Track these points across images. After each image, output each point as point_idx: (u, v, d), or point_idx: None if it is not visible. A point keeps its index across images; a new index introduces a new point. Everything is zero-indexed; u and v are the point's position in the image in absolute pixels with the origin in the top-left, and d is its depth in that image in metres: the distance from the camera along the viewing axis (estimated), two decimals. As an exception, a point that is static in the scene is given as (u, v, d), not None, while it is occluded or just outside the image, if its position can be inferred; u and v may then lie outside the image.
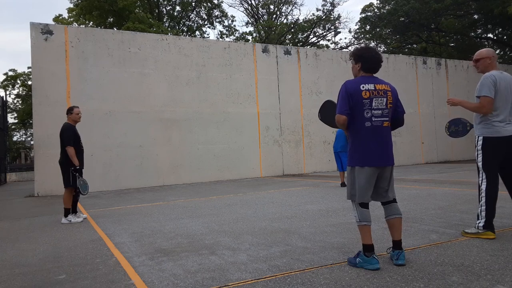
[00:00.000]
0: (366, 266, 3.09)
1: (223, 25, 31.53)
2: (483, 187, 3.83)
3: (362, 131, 3.19)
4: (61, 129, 6.05)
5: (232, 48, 13.69)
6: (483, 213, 3.80)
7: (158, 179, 12.10)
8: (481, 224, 3.82)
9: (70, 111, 6.20)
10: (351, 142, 3.30)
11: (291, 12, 52.94)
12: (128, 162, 11.71)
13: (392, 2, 26.78)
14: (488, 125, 3.82)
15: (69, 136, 5.92)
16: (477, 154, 3.92)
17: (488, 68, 3.93)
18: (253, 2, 33.13)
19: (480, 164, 3.90)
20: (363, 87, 3.17)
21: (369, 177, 3.19)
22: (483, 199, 3.81)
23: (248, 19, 34.23)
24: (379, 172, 3.22)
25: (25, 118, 34.75)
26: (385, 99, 3.19)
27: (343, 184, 9.11)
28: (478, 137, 3.91)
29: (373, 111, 3.16)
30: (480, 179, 3.89)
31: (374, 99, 3.16)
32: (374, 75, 3.30)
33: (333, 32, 31.72)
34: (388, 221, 3.29)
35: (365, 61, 3.24)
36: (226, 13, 31.03)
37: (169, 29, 27.99)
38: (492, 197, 3.79)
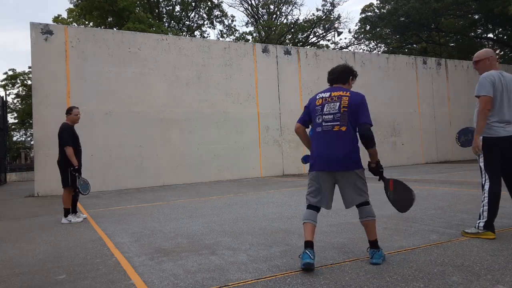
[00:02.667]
0: (301, 262, 3.12)
1: (223, 25, 31.56)
2: (486, 187, 3.83)
3: (315, 136, 3.31)
4: (59, 129, 6.05)
5: (232, 48, 13.69)
6: (485, 213, 3.80)
7: (158, 179, 12.10)
8: (481, 224, 3.82)
9: (69, 111, 6.20)
10: (311, 148, 3.42)
11: (291, 12, 52.96)
12: (128, 162, 11.71)
13: (392, 2, 26.79)
14: (488, 125, 3.82)
15: (68, 136, 5.92)
16: (479, 155, 3.92)
17: (488, 69, 3.93)
18: (253, 2, 33.15)
19: (482, 164, 3.89)
20: (318, 95, 3.37)
21: (317, 181, 3.28)
22: (486, 199, 3.81)
23: (248, 19, 34.26)
24: (335, 176, 3.23)
25: (25, 118, 34.77)
26: (338, 103, 3.21)
27: None
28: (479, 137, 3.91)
29: (324, 116, 3.24)
30: (483, 179, 3.89)
31: (326, 104, 3.26)
32: (343, 86, 3.41)
33: (334, 33, 31.69)
34: (361, 223, 3.32)
35: (328, 75, 3.51)
36: (226, 13, 31.06)
37: (169, 29, 27.99)
38: (495, 197, 3.79)
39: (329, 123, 3.21)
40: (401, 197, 3.39)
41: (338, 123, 3.17)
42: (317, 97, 3.35)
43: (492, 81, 3.77)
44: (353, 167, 3.18)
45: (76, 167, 5.92)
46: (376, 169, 3.35)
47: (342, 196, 3.29)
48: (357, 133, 3.25)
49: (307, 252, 3.09)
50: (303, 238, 3.25)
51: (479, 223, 3.85)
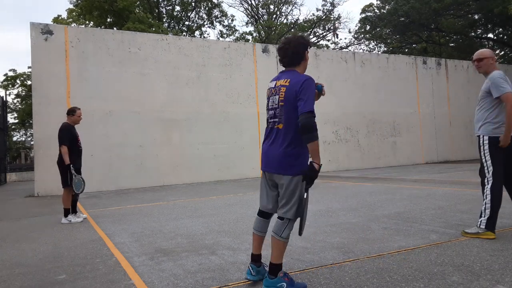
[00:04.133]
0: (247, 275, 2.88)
1: (223, 25, 31.57)
2: (489, 185, 3.83)
3: (265, 132, 2.94)
4: (59, 129, 6.06)
5: (232, 48, 13.69)
6: (487, 211, 3.80)
7: (158, 179, 12.10)
8: (483, 222, 3.81)
9: (72, 112, 6.20)
10: None
11: (291, 12, 52.95)
12: (128, 162, 11.71)
13: (392, 2, 26.78)
14: (493, 124, 3.83)
15: (64, 136, 5.94)
16: (483, 154, 3.90)
17: (491, 68, 3.92)
18: (253, 2, 33.15)
19: (487, 163, 3.87)
20: (269, 85, 2.92)
21: (264, 182, 2.92)
22: (488, 197, 3.81)
23: (248, 19, 34.26)
24: (273, 179, 2.82)
25: (25, 118, 34.75)
26: (277, 97, 2.75)
27: None
28: (483, 136, 3.90)
29: (268, 111, 2.86)
30: (486, 178, 3.88)
31: (270, 97, 2.83)
32: (296, 69, 2.83)
33: (331, 32, 31.69)
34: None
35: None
36: (226, 13, 31.07)
37: (169, 29, 27.99)
38: (497, 196, 3.79)
39: (271, 120, 2.82)
40: (304, 219, 2.84)
41: (277, 119, 2.75)
42: (268, 88, 2.91)
43: (505, 77, 3.78)
44: (284, 171, 2.70)
45: (69, 165, 5.86)
46: (315, 173, 2.64)
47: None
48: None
49: (249, 267, 2.89)
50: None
51: (481, 221, 3.84)
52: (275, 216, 2.86)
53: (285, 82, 2.72)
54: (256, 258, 2.89)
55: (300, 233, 2.77)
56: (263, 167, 2.87)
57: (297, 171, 2.68)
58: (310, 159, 2.70)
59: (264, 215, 2.93)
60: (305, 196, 2.70)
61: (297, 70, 2.80)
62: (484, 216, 3.82)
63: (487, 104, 3.88)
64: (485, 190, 3.86)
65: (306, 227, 4.79)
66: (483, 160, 3.91)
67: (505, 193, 4.02)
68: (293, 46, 2.78)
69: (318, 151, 2.63)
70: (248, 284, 2.89)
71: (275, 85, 2.81)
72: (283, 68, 2.90)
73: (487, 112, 3.89)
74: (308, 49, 2.88)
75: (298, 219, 2.80)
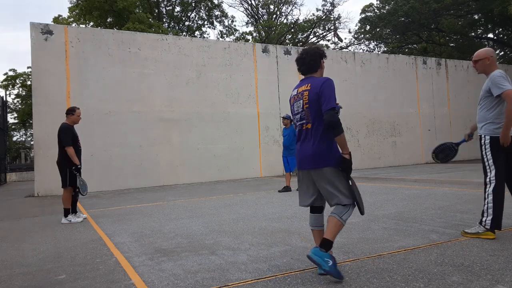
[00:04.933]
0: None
1: (223, 25, 31.56)
2: (491, 187, 3.81)
3: (296, 136, 3.25)
4: (59, 129, 6.04)
5: (232, 48, 13.69)
6: (490, 210, 3.79)
7: (158, 179, 12.10)
8: (488, 221, 3.79)
9: (71, 111, 6.18)
10: None
11: (291, 12, 52.99)
12: (128, 162, 11.71)
13: (392, 2, 26.78)
14: (494, 124, 3.82)
15: (67, 137, 5.92)
16: (484, 153, 3.90)
17: (488, 69, 3.92)
18: (253, 2, 33.16)
19: (489, 162, 3.86)
20: (292, 93, 3.25)
21: (300, 180, 3.20)
22: (490, 197, 3.80)
23: (248, 19, 34.26)
24: (311, 175, 3.08)
25: (25, 118, 34.76)
26: (301, 101, 3.09)
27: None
28: (485, 136, 3.89)
29: (295, 116, 3.19)
30: (488, 177, 3.87)
31: (295, 104, 3.18)
32: (314, 75, 3.15)
33: (333, 33, 31.68)
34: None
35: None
36: (226, 13, 31.07)
37: (169, 29, 27.99)
38: (499, 196, 3.79)
39: (299, 122, 3.15)
40: (360, 200, 3.03)
41: (304, 121, 3.08)
42: (291, 96, 3.26)
43: (505, 75, 3.77)
44: (321, 164, 2.97)
45: (79, 166, 5.93)
46: (349, 162, 2.96)
47: (322, 194, 3.10)
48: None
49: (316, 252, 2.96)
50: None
51: (485, 220, 3.82)
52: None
53: (307, 87, 3.06)
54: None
55: (362, 213, 3.03)
56: (299, 166, 3.14)
57: (332, 163, 2.96)
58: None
59: (316, 210, 3.15)
60: (350, 183, 2.99)
61: (315, 76, 3.14)
62: (487, 216, 3.81)
63: (488, 104, 3.88)
64: (486, 190, 3.86)
65: (306, 227, 4.80)
66: (485, 160, 3.91)
67: (506, 193, 4.02)
68: (310, 56, 3.12)
69: (345, 142, 2.96)
70: (248, 284, 2.89)
71: (297, 91, 3.14)
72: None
73: (488, 112, 3.88)
74: (324, 59, 3.20)
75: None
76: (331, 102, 2.89)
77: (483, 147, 3.91)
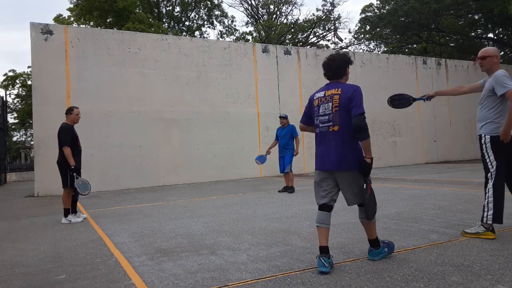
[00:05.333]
0: (318, 267, 3.06)
1: (223, 25, 31.56)
2: (492, 180, 3.82)
3: (316, 137, 3.38)
4: (59, 129, 6.04)
5: (232, 48, 13.69)
6: (491, 205, 3.78)
7: (158, 179, 12.10)
8: (490, 216, 3.78)
9: (69, 111, 6.19)
10: None
11: (291, 12, 52.96)
12: (128, 162, 11.70)
13: (392, 2, 26.78)
14: (495, 123, 3.83)
15: (66, 136, 5.92)
16: (485, 152, 3.89)
17: (494, 67, 3.91)
18: (253, 2, 33.15)
19: (490, 159, 3.86)
20: (315, 96, 3.38)
21: (319, 180, 3.31)
22: (491, 191, 3.80)
23: (248, 19, 34.25)
24: (334, 176, 3.24)
25: (25, 118, 34.75)
26: (330, 104, 3.21)
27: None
28: (485, 136, 3.89)
29: (320, 117, 3.29)
30: (489, 173, 3.86)
31: (321, 105, 3.28)
32: (340, 80, 3.33)
33: (333, 34, 31.67)
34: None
35: (323, 69, 3.42)
36: (226, 13, 31.06)
37: (169, 29, 27.98)
38: (499, 190, 3.80)
39: (324, 124, 3.25)
40: (370, 205, 3.19)
41: (331, 123, 3.20)
42: (315, 98, 3.37)
43: (509, 76, 3.77)
44: (347, 166, 3.14)
45: (73, 167, 5.90)
46: (369, 166, 3.08)
47: (343, 195, 3.29)
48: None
49: (322, 259, 3.04)
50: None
51: (486, 215, 3.81)
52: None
53: (337, 91, 3.21)
54: (325, 250, 3.12)
55: (368, 218, 3.25)
56: (321, 166, 3.27)
57: (356, 166, 3.13)
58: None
59: (326, 208, 3.25)
60: (364, 187, 3.17)
61: (341, 82, 3.32)
62: (488, 211, 3.81)
63: (490, 103, 3.88)
64: (487, 185, 3.86)
65: (306, 227, 4.80)
66: (486, 157, 3.91)
67: (506, 193, 4.02)
68: (337, 62, 3.29)
69: (370, 147, 3.11)
70: (248, 284, 2.89)
71: (325, 94, 3.27)
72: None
73: (489, 111, 3.88)
74: (350, 66, 3.38)
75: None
76: (361, 107, 3.09)
77: (483, 145, 3.91)
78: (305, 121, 3.51)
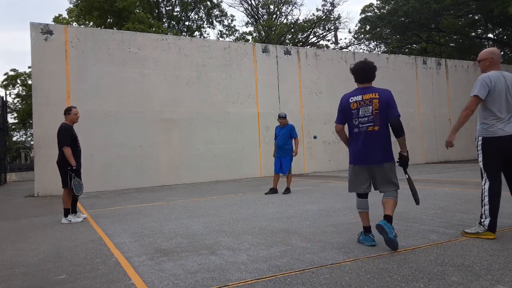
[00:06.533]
0: (365, 242, 3.76)
1: (223, 25, 31.56)
2: (486, 186, 3.83)
3: (353, 136, 3.83)
4: (58, 129, 6.04)
5: (232, 48, 13.69)
6: (487, 212, 3.80)
7: (158, 179, 12.10)
8: (486, 223, 3.80)
9: (68, 111, 6.19)
10: (348, 145, 3.94)
11: (291, 12, 52.95)
12: (128, 162, 11.70)
13: (392, 2, 26.78)
14: (487, 125, 3.83)
15: (66, 136, 5.92)
16: (478, 154, 3.93)
17: (488, 69, 3.93)
18: (253, 2, 33.15)
19: (481, 164, 3.90)
20: (351, 99, 3.81)
21: (357, 173, 3.83)
22: (486, 198, 3.81)
23: (248, 19, 34.25)
24: (371, 169, 3.77)
25: (25, 118, 34.74)
26: (370, 107, 3.70)
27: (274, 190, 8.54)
28: (478, 137, 3.92)
29: (359, 119, 3.74)
30: (483, 179, 3.89)
31: (361, 108, 3.74)
32: (371, 84, 3.85)
33: (333, 33, 31.68)
34: (382, 202, 3.80)
35: (354, 75, 3.90)
36: (226, 13, 31.06)
37: (169, 29, 27.98)
38: (494, 196, 3.79)
39: (364, 125, 3.72)
40: (416, 191, 3.92)
41: (372, 124, 3.69)
42: (351, 101, 3.79)
43: (487, 83, 3.79)
44: (382, 161, 3.71)
45: (74, 167, 5.90)
46: (406, 159, 3.80)
47: (376, 185, 3.80)
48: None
49: (371, 236, 3.77)
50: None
51: (484, 221, 3.83)
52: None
53: (375, 95, 3.73)
54: (369, 229, 3.82)
55: (417, 203, 3.94)
56: (361, 161, 3.76)
57: (390, 159, 3.78)
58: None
59: (365, 196, 3.87)
60: (407, 177, 3.91)
61: (372, 86, 3.84)
62: (486, 218, 3.82)
63: (481, 105, 3.92)
64: (483, 191, 3.86)
65: (306, 227, 4.80)
66: (479, 160, 3.93)
67: (506, 193, 4.02)
68: (371, 68, 3.84)
69: (405, 143, 3.79)
70: (248, 284, 2.89)
71: (363, 98, 3.74)
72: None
73: (481, 112, 3.91)
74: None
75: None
76: (396, 110, 3.71)
77: (477, 148, 3.93)
78: (343, 121, 3.89)
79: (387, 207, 3.70)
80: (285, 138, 8.34)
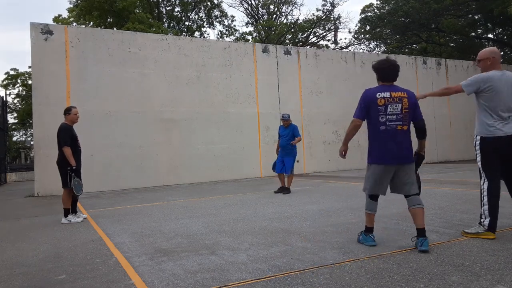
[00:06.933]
0: (365, 242, 3.74)
1: (223, 25, 31.56)
2: (485, 186, 3.83)
3: (378, 133, 3.65)
4: (58, 129, 6.04)
5: (232, 48, 13.69)
6: (487, 212, 3.79)
7: (158, 179, 12.10)
8: (486, 223, 3.80)
9: (68, 111, 6.18)
10: (369, 142, 3.77)
11: (291, 12, 52.95)
12: (128, 162, 11.70)
13: (392, 2, 26.78)
14: (486, 124, 3.83)
15: (66, 136, 5.92)
16: (476, 154, 3.93)
17: (489, 69, 3.92)
18: (253, 2, 33.15)
19: (479, 164, 3.90)
20: (379, 95, 3.67)
21: (382, 173, 3.66)
22: (485, 198, 3.81)
23: (248, 19, 34.25)
24: (396, 169, 3.64)
25: (25, 118, 34.74)
26: (400, 105, 3.61)
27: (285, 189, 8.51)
28: (476, 136, 3.92)
29: (387, 116, 3.60)
30: (482, 178, 3.89)
31: (389, 105, 3.62)
32: (394, 83, 3.78)
33: (333, 32, 31.68)
34: (410, 211, 3.67)
35: (380, 72, 3.82)
36: (226, 13, 31.06)
37: (169, 29, 27.98)
38: (494, 196, 3.78)
39: (392, 123, 3.60)
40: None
41: (401, 122, 3.60)
42: (378, 97, 3.65)
43: (482, 79, 3.80)
44: (411, 160, 3.67)
45: (74, 167, 5.90)
46: (423, 157, 3.87)
47: (397, 186, 3.71)
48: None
49: (371, 236, 3.76)
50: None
51: (483, 221, 3.83)
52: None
53: (403, 94, 3.69)
54: (372, 230, 3.80)
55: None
56: (391, 160, 3.61)
57: (413, 159, 3.74)
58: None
59: (377, 198, 3.78)
60: (417, 174, 3.84)
61: (396, 85, 3.78)
62: (485, 218, 3.82)
63: (477, 104, 3.93)
64: (482, 191, 3.86)
65: (306, 227, 4.80)
66: (477, 160, 3.93)
67: (505, 193, 4.02)
68: (396, 68, 3.82)
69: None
70: (248, 284, 2.89)
71: (391, 95, 3.65)
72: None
73: (480, 111, 3.91)
74: None
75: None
76: (420, 112, 3.76)
77: (475, 147, 3.93)
78: (363, 117, 3.75)
79: (419, 218, 3.56)
80: (288, 138, 8.42)
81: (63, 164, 5.95)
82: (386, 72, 3.78)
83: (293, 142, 8.37)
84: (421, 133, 3.75)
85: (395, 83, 3.82)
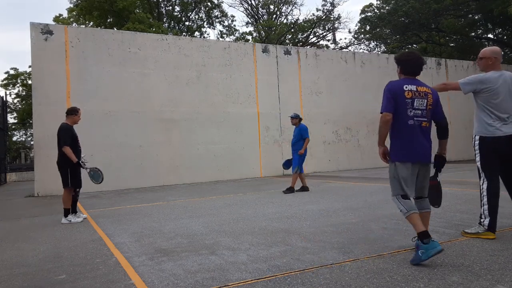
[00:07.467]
0: (430, 253, 3.03)
1: (223, 25, 31.56)
2: (484, 186, 3.83)
3: (405, 128, 3.36)
4: (58, 129, 6.05)
5: (232, 48, 13.69)
6: (486, 212, 3.79)
7: (158, 179, 12.10)
8: (486, 223, 3.80)
9: (75, 112, 6.18)
10: (393, 139, 3.48)
11: (291, 12, 52.94)
12: (128, 162, 11.70)
13: (392, 2, 26.78)
14: (485, 124, 3.83)
15: (66, 136, 5.93)
16: (475, 154, 3.93)
17: (488, 68, 3.92)
18: (253, 2, 33.16)
19: (478, 164, 3.90)
20: (406, 87, 3.38)
21: (410, 172, 3.37)
22: (485, 198, 3.81)
23: (248, 19, 34.26)
24: (418, 168, 3.39)
25: (25, 118, 34.74)
26: (425, 101, 3.38)
27: (305, 188, 8.61)
28: (475, 136, 3.92)
29: (414, 110, 3.35)
30: (481, 178, 3.89)
31: (416, 99, 3.36)
32: (417, 78, 3.53)
33: (331, 33, 31.69)
34: (420, 214, 3.37)
35: (404, 64, 3.50)
36: (226, 13, 31.07)
37: (169, 29, 27.98)
38: (493, 196, 3.78)
39: (418, 118, 3.36)
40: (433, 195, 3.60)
41: (426, 119, 3.39)
42: (405, 89, 3.36)
43: (481, 80, 3.81)
44: (430, 160, 3.46)
45: (78, 162, 5.94)
46: (445, 160, 3.61)
47: (418, 186, 3.42)
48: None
49: (434, 240, 3.10)
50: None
51: (483, 221, 3.83)
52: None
53: (429, 90, 3.46)
54: (427, 234, 3.15)
55: (439, 205, 3.73)
56: (416, 158, 3.35)
57: (434, 162, 3.55)
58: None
59: (409, 197, 3.38)
60: (439, 180, 3.61)
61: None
62: (485, 218, 3.82)
63: (476, 104, 3.94)
64: (481, 192, 3.86)
65: (306, 227, 4.80)
66: (476, 160, 3.92)
67: (505, 193, 4.02)
68: (423, 60, 3.59)
69: None
70: (248, 284, 2.89)
71: (417, 89, 3.40)
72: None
73: (480, 111, 3.92)
74: None
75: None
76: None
77: (474, 147, 3.93)
78: (393, 108, 3.38)
79: (426, 221, 3.40)
80: (296, 138, 8.59)
81: (63, 164, 5.96)
82: (411, 65, 3.48)
83: (300, 152, 8.45)
84: (445, 132, 3.54)
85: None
